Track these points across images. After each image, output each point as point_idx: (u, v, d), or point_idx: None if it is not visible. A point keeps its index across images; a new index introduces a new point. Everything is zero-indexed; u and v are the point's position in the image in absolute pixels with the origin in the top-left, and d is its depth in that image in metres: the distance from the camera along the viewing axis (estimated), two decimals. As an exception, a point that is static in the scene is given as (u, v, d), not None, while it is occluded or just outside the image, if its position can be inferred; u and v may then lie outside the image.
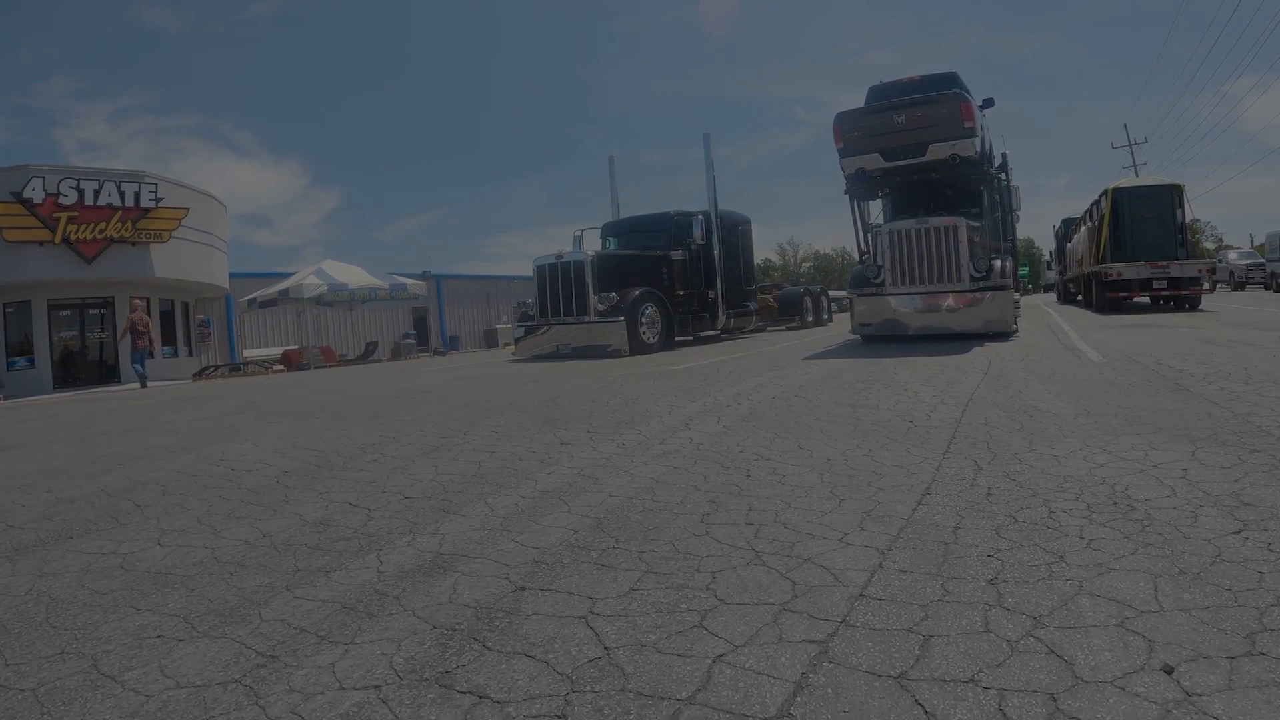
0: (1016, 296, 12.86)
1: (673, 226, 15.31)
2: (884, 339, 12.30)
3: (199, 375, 22.36)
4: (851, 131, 12.20)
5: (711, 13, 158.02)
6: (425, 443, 4.99)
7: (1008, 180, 14.22)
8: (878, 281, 12.23)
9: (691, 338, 15.82)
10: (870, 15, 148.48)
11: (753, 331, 19.08)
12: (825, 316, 23.24)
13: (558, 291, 13.73)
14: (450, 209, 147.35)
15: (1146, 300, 20.52)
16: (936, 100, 12.04)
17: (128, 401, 12.06)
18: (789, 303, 21.19)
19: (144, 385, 17.62)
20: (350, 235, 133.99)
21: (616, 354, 12.98)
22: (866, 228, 14.54)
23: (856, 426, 4.54)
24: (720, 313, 15.78)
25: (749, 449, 4.00)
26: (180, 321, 25.39)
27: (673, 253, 15.02)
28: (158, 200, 21.68)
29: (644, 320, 13.52)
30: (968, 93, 12.36)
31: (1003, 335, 11.66)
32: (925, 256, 11.89)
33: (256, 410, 8.37)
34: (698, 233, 15.01)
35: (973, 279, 11.62)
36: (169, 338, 24.62)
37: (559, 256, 13.78)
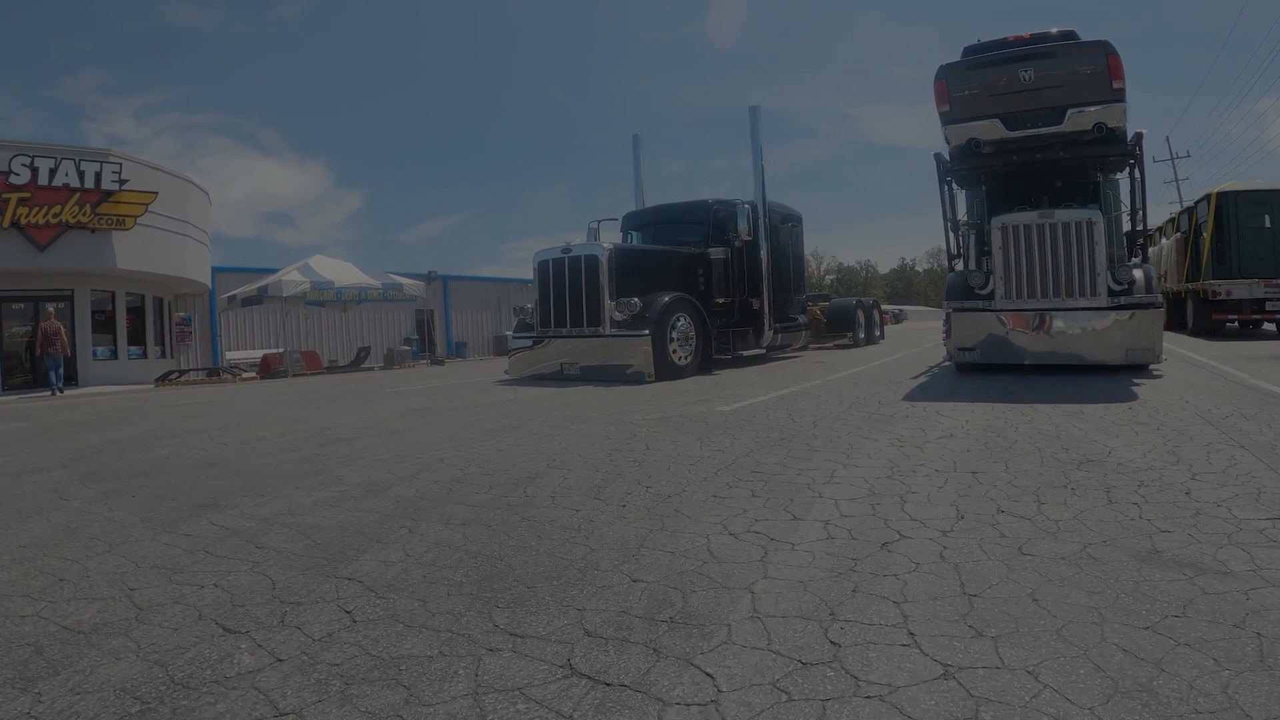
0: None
1: (712, 219, 12.23)
2: (982, 368, 9.31)
3: (162, 380, 19.68)
4: (962, 90, 9.14)
5: (719, 25, 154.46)
6: (176, 644, 2.00)
7: (1141, 168, 10.96)
8: (984, 292, 9.16)
9: (729, 356, 12.63)
10: (895, 28, 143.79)
11: (799, 349, 15.96)
12: (877, 333, 20.08)
13: (564, 295, 10.69)
14: (472, 213, 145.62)
15: (1235, 324, 17.47)
16: (1078, 51, 8.98)
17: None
18: (840, 316, 18.01)
19: (55, 393, 15.92)
20: (372, 236, 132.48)
21: (638, 378, 9.94)
22: (956, 224, 11.47)
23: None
24: (767, 327, 12.67)
25: None
26: (152, 319, 22.73)
27: (711, 250, 11.93)
28: (121, 182, 19.12)
29: (675, 335, 10.45)
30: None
31: (1140, 367, 8.73)
32: (1050, 261, 8.90)
33: (90, 464, 5.50)
34: (743, 226, 11.89)
35: (1111, 293, 8.63)
36: (137, 337, 21.98)
37: (566, 250, 10.73)
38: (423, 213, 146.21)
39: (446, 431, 5.89)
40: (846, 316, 18.06)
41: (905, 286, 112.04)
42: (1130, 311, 8.54)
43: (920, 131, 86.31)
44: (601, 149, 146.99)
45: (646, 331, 10.01)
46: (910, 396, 7.09)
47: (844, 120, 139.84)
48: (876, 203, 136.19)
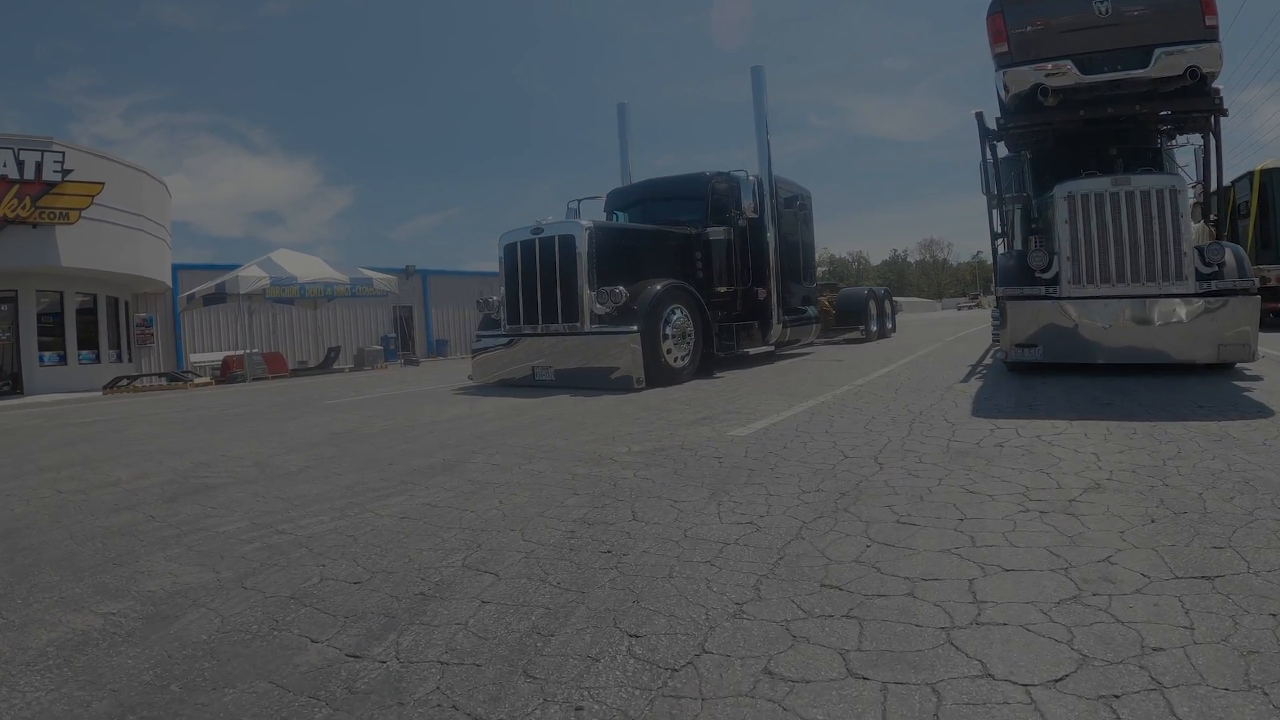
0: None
1: (711, 194, 10.49)
2: (1039, 368, 7.69)
3: (111, 386, 17.92)
4: (1024, 26, 7.48)
5: (724, 26, 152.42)
6: None
7: (1218, 127, 9.16)
8: (1048, 277, 7.54)
9: (730, 355, 10.71)
10: (887, 20, 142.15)
11: (807, 344, 14.24)
12: (889, 326, 18.42)
13: (534, 284, 8.95)
14: (463, 209, 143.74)
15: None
16: (1163, -20, 7.33)
17: None
18: (850, 308, 16.34)
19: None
20: (362, 233, 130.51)
21: (625, 384, 8.24)
22: (1000, 197, 9.79)
23: None
24: (775, 320, 10.96)
25: None
26: (106, 320, 20.95)
27: (710, 231, 10.20)
28: (65, 172, 17.31)
29: (669, 331, 8.74)
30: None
31: (1227, 366, 7.23)
32: (1127, 238, 7.29)
33: None
34: (748, 201, 10.17)
35: (1200, 277, 7.04)
36: (89, 340, 20.23)
37: (537, 230, 8.98)
38: (413, 209, 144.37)
39: (351, 475, 4.18)
40: (857, 308, 16.40)
41: (898, 277, 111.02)
42: (1223, 299, 6.93)
43: (911, 123, 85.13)
44: (590, 143, 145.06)
45: (635, 327, 8.29)
46: (980, 411, 5.42)
47: (833, 112, 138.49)
48: (867, 195, 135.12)
